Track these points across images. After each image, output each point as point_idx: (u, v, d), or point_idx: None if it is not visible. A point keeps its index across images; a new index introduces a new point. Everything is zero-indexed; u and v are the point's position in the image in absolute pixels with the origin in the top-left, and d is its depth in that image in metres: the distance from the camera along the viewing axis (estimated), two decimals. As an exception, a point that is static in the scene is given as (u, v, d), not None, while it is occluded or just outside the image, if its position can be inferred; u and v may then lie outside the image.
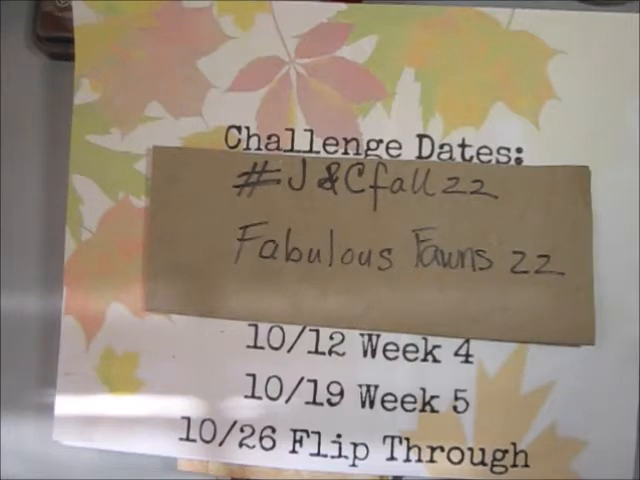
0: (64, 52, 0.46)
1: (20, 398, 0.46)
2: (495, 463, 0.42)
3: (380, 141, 0.43)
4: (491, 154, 0.43)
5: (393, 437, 0.42)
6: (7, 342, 0.46)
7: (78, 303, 0.44)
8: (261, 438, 0.43)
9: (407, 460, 0.42)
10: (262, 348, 0.43)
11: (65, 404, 0.44)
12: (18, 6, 0.49)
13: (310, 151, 0.44)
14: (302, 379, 0.43)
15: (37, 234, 0.47)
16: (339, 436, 0.42)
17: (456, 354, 0.42)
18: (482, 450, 0.42)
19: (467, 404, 0.42)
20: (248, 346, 0.43)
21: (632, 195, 0.42)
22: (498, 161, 0.43)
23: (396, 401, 0.42)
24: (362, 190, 0.43)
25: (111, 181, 0.44)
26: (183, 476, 0.44)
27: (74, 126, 0.45)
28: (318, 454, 0.42)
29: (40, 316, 0.46)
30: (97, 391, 0.44)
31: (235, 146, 0.44)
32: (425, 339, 0.42)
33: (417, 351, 0.42)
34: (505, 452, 0.42)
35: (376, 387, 0.42)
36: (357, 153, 0.43)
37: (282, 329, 0.43)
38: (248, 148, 0.44)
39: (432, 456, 0.42)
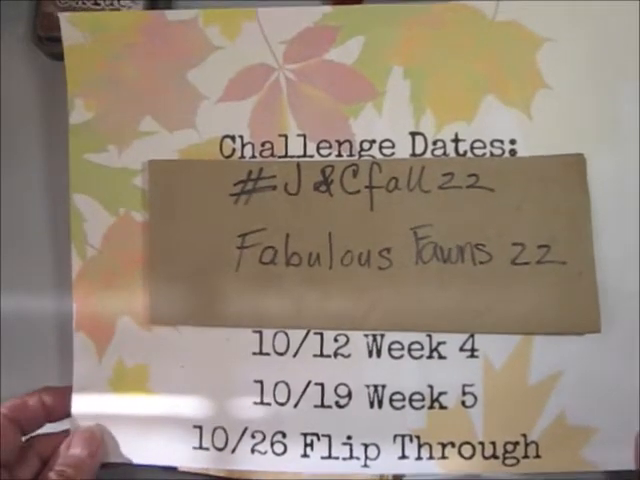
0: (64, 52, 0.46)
1: None
2: (507, 455, 0.42)
3: (373, 141, 0.43)
4: (485, 147, 0.43)
5: (403, 436, 0.42)
6: (8, 344, 0.47)
7: (88, 319, 0.45)
8: (272, 443, 0.43)
9: (419, 458, 0.42)
10: (268, 354, 0.43)
11: (81, 420, 0.44)
12: (18, 6, 0.50)
13: (304, 155, 0.44)
14: (309, 383, 0.43)
15: (37, 233, 0.48)
16: (349, 438, 0.43)
17: (461, 349, 0.42)
18: (493, 443, 0.42)
19: (475, 398, 0.42)
20: (254, 353, 0.43)
21: (629, 180, 0.42)
22: (492, 154, 0.43)
23: (404, 400, 0.42)
24: (358, 191, 0.43)
25: (111, 197, 0.45)
26: (183, 476, 0.45)
27: (71, 146, 0.45)
28: (329, 457, 0.43)
29: (44, 318, 0.48)
30: (111, 404, 0.44)
31: (230, 155, 0.44)
32: (430, 336, 0.42)
33: (422, 348, 0.42)
34: (516, 444, 0.42)
35: (383, 387, 0.42)
36: (351, 154, 0.43)
37: (286, 334, 0.43)
38: (243, 156, 0.44)
39: (443, 452, 0.42)
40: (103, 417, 0.44)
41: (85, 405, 0.44)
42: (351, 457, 0.43)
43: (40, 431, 0.44)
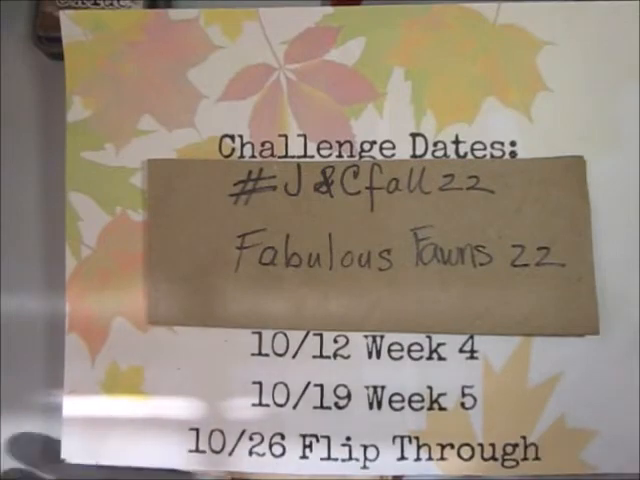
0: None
1: (24, 399, 0.46)
2: (506, 457, 0.42)
3: (374, 142, 0.43)
4: (485, 149, 0.43)
5: (403, 437, 0.42)
6: (9, 344, 0.47)
7: (81, 320, 0.44)
8: (271, 445, 0.43)
9: (418, 459, 0.42)
10: (267, 355, 0.43)
11: (72, 422, 0.44)
12: (18, 6, 0.49)
13: (304, 156, 0.44)
14: (308, 384, 0.43)
15: (31, 231, 0.48)
16: (349, 439, 0.42)
17: (461, 351, 0.42)
18: (492, 445, 0.42)
19: (475, 400, 0.42)
20: (253, 354, 0.43)
21: (629, 182, 0.42)
22: (492, 156, 0.43)
23: (404, 401, 0.42)
24: (358, 192, 0.43)
25: (108, 196, 0.45)
26: (183, 476, 0.44)
27: (68, 144, 0.45)
28: (329, 458, 0.42)
29: (43, 317, 0.47)
30: (104, 407, 0.44)
31: (229, 155, 0.44)
32: (429, 337, 0.42)
33: (422, 350, 0.42)
34: (515, 446, 0.42)
35: (383, 388, 0.42)
36: (351, 155, 0.43)
37: (286, 335, 0.43)
38: (242, 156, 0.44)
39: (442, 454, 0.42)
40: (96, 419, 0.44)
41: (77, 408, 0.44)
42: (350, 458, 0.42)
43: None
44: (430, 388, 0.42)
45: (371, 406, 0.42)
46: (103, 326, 0.44)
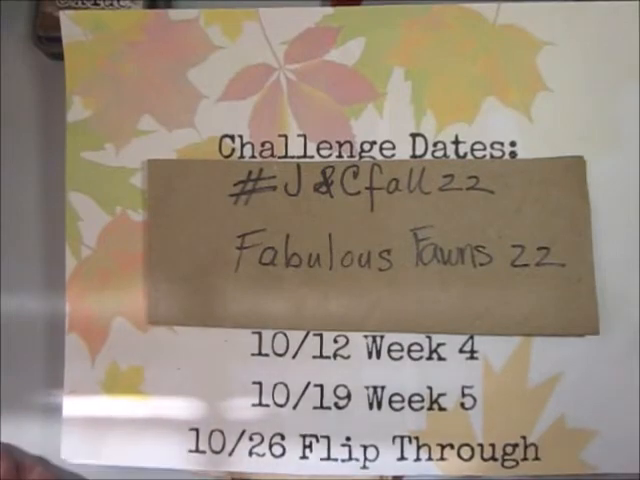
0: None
1: (24, 399, 0.46)
2: (506, 457, 0.42)
3: (374, 142, 0.43)
4: (485, 149, 0.43)
5: (402, 437, 0.42)
6: (9, 344, 0.47)
7: (81, 320, 0.44)
8: (270, 445, 0.43)
9: (417, 459, 0.42)
10: (267, 355, 0.43)
11: (72, 422, 0.44)
12: (18, 6, 0.50)
13: (304, 156, 0.44)
14: (308, 384, 0.43)
15: (31, 231, 0.48)
16: (348, 439, 0.42)
17: (461, 351, 0.42)
18: (492, 445, 0.42)
19: (474, 400, 0.42)
20: (253, 354, 0.43)
21: (629, 183, 0.42)
22: (492, 156, 0.43)
23: (403, 401, 0.42)
24: (358, 192, 0.43)
25: (108, 196, 0.45)
26: (183, 476, 0.44)
27: (68, 144, 0.45)
28: (328, 458, 0.42)
29: (43, 317, 0.47)
30: (103, 407, 0.44)
31: (229, 155, 0.44)
32: (429, 337, 0.42)
33: (422, 350, 0.42)
34: (515, 446, 0.42)
35: (383, 388, 0.42)
36: (351, 155, 0.43)
37: (286, 335, 0.43)
38: (242, 156, 0.44)
39: (442, 454, 0.42)
40: (96, 419, 0.44)
41: (77, 408, 0.44)
42: (350, 458, 0.42)
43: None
44: (430, 388, 0.42)
45: (371, 406, 0.42)
46: (103, 326, 0.44)
